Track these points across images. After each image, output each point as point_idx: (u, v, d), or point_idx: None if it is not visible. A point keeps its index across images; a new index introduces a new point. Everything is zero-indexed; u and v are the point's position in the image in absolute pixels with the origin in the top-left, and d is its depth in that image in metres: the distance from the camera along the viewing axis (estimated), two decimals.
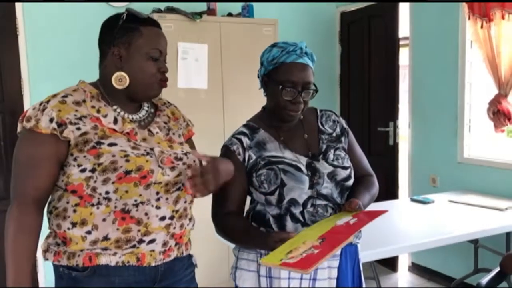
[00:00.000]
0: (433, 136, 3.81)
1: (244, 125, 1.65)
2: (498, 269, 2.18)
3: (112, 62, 1.37)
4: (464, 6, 3.33)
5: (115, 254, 1.33)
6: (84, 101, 1.35)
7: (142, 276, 1.37)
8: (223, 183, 1.40)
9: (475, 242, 3.32)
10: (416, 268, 4.06)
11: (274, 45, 1.58)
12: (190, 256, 1.54)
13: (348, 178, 1.60)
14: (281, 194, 1.52)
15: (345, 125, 1.73)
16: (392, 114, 4.08)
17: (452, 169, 3.66)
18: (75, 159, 1.30)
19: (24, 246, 1.29)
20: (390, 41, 4.04)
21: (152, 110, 1.51)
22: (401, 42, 4.06)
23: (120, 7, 3.50)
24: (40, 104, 1.32)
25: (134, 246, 1.34)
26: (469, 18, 3.31)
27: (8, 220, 1.30)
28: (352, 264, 1.63)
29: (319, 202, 1.54)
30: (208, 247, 3.39)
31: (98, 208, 1.31)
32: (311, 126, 1.67)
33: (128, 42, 1.36)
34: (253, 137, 1.60)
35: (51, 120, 1.28)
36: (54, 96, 1.34)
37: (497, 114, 3.20)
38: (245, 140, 1.59)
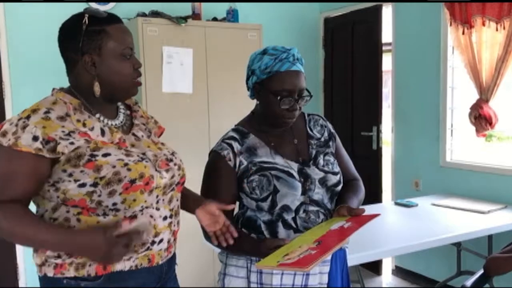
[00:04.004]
0: (416, 141, 3.85)
1: (234, 130, 1.63)
2: (481, 271, 2.21)
3: (86, 70, 1.31)
4: (446, 12, 3.39)
5: (129, 258, 1.31)
6: (67, 115, 1.28)
7: (152, 277, 1.37)
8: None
9: (458, 245, 3.36)
10: (399, 271, 4.09)
11: (264, 52, 1.55)
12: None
13: (338, 183, 1.61)
14: (274, 201, 1.51)
15: (332, 130, 1.73)
16: (375, 118, 4.11)
17: (434, 173, 3.70)
18: (70, 175, 1.25)
19: (35, 225, 1.23)
20: (373, 46, 4.08)
21: (128, 112, 1.48)
22: (383, 48, 4.11)
23: (107, 10, 3.47)
24: (19, 120, 1.22)
25: (148, 249, 1.34)
26: (450, 25, 3.37)
27: (3, 228, 1.22)
28: (341, 269, 1.63)
29: (311, 208, 1.54)
30: (193, 252, 3.37)
31: (105, 217, 1.28)
32: (300, 131, 1.66)
33: (99, 47, 1.29)
34: (243, 142, 1.58)
35: (35, 139, 1.20)
36: (34, 111, 1.24)
37: (479, 118, 3.26)
38: (236, 145, 1.56)
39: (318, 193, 1.56)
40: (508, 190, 3.20)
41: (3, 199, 1.23)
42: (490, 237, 3.13)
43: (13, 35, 3.35)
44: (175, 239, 1.46)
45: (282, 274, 1.52)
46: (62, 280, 1.29)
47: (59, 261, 1.29)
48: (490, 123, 3.23)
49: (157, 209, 1.35)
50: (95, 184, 1.24)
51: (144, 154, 1.35)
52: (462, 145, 3.63)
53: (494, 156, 3.46)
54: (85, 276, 1.28)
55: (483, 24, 3.16)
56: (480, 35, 3.20)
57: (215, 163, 1.57)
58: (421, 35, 3.73)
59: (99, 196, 1.25)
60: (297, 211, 1.52)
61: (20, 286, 3.42)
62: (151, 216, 1.33)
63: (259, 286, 1.53)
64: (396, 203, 3.25)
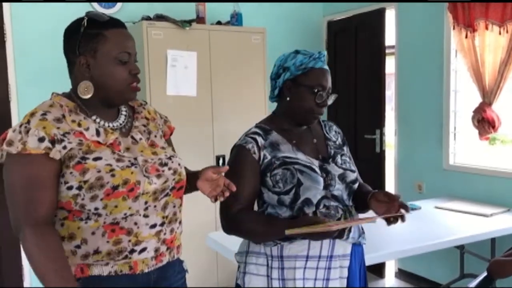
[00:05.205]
0: (419, 144, 3.86)
1: (256, 126, 1.69)
2: (485, 274, 2.21)
3: (81, 72, 1.32)
4: (449, 16, 3.40)
5: (107, 264, 1.31)
6: (63, 116, 1.30)
7: (135, 284, 1.35)
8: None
9: (461, 248, 3.36)
10: (402, 274, 4.09)
11: (297, 52, 1.65)
12: (181, 261, 1.53)
13: (355, 180, 1.68)
14: (297, 194, 1.56)
15: (344, 137, 1.82)
16: (378, 121, 4.12)
17: (437, 176, 3.71)
18: (62, 176, 1.27)
19: (57, 266, 1.23)
20: (376, 49, 4.10)
21: (131, 113, 1.47)
22: (386, 51, 4.12)
23: (112, 13, 3.50)
24: (21, 126, 1.25)
25: (126, 257, 1.32)
26: (453, 28, 3.38)
27: (28, 248, 1.23)
28: (360, 264, 1.70)
29: (331, 203, 1.59)
30: (196, 253, 3.39)
31: (86, 222, 1.29)
32: (318, 133, 1.74)
33: (94, 49, 1.30)
34: (266, 137, 1.64)
35: (42, 139, 1.23)
36: (32, 115, 1.27)
37: (482, 122, 3.26)
38: (260, 140, 1.62)
39: (338, 189, 1.62)
40: (511, 193, 3.20)
41: (39, 223, 1.23)
42: (493, 240, 3.13)
43: (19, 37, 3.37)
44: (169, 248, 1.42)
45: (305, 268, 1.57)
46: None
47: None
48: (493, 126, 3.23)
49: (145, 216, 1.34)
50: (79, 187, 1.26)
51: (135, 159, 1.34)
52: (465, 148, 3.64)
53: (498, 159, 3.46)
54: None
55: (486, 28, 3.17)
56: (483, 39, 3.21)
57: (240, 157, 1.62)
58: (424, 38, 3.74)
59: (82, 199, 1.26)
60: (317, 205, 1.57)
61: (25, 286, 3.44)
62: (135, 224, 1.32)
63: (281, 281, 1.58)
64: None
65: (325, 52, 1.67)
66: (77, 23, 1.34)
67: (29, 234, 1.23)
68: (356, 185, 1.68)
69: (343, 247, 1.61)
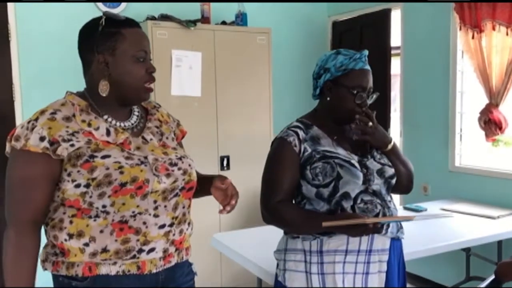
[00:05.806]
0: (425, 145, 3.83)
1: (298, 121, 1.72)
2: (492, 277, 2.19)
3: (99, 70, 1.33)
4: (456, 16, 3.38)
5: (115, 263, 1.31)
6: (73, 115, 1.31)
7: (143, 284, 1.35)
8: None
9: (467, 250, 3.33)
10: (408, 276, 4.02)
11: (338, 53, 1.68)
12: (190, 264, 1.52)
13: (394, 175, 1.69)
14: (336, 187, 1.58)
15: None
16: (383, 122, 4.09)
17: (443, 177, 3.68)
18: (69, 174, 1.27)
19: (23, 270, 1.28)
20: (382, 50, 4.07)
21: (143, 114, 1.48)
22: (392, 52, 4.10)
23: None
24: (29, 122, 1.27)
25: (134, 257, 1.32)
26: (460, 29, 3.36)
27: (6, 245, 1.28)
28: (398, 259, 1.71)
29: (369, 198, 1.61)
30: (200, 253, 3.37)
31: (95, 220, 1.29)
32: None
33: (113, 48, 1.32)
34: (307, 131, 1.67)
35: (42, 139, 1.25)
36: (42, 112, 1.29)
37: (488, 123, 3.24)
38: (301, 133, 1.65)
39: (377, 184, 1.64)
40: None
41: (22, 224, 1.28)
42: (499, 242, 3.10)
43: (24, 37, 3.37)
44: (177, 249, 1.42)
45: (344, 262, 1.59)
46: (59, 277, 1.33)
47: (54, 258, 1.32)
48: (500, 128, 3.21)
49: (155, 215, 1.34)
50: (87, 185, 1.27)
51: (145, 157, 1.34)
52: (471, 150, 3.61)
53: (502, 161, 3.44)
54: (74, 276, 1.30)
55: (493, 29, 3.15)
56: (490, 40, 3.19)
57: (281, 149, 1.65)
58: (430, 39, 3.72)
59: (90, 197, 1.27)
60: (355, 199, 1.59)
61: None
62: (144, 223, 1.32)
63: (320, 275, 1.59)
64: (405, 208, 3.23)
65: (366, 52, 1.68)
66: (94, 23, 1.36)
67: (12, 233, 1.28)
68: (394, 180, 1.69)
69: (382, 242, 1.63)
